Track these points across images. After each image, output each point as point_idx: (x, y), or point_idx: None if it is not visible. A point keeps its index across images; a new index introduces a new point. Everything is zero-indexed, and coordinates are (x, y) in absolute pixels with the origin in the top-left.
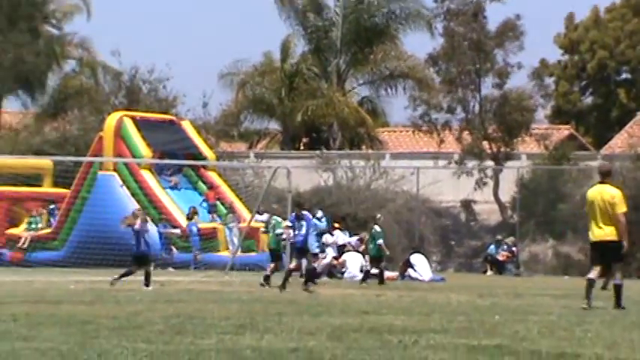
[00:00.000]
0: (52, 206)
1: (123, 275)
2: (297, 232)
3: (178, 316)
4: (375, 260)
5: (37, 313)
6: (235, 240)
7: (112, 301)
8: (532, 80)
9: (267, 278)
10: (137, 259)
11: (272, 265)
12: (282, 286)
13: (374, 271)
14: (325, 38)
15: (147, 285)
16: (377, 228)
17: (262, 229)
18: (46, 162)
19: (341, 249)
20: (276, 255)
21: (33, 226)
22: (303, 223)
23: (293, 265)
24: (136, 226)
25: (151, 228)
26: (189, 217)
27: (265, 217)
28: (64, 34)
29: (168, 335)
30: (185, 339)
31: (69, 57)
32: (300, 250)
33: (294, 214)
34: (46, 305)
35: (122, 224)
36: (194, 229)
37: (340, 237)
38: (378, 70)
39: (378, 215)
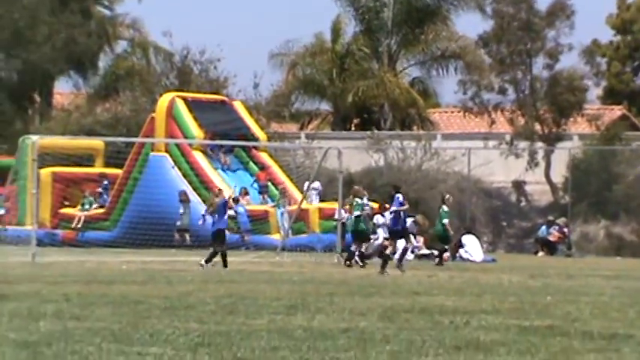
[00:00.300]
0: (105, 182)
1: (209, 258)
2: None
3: (230, 296)
4: (442, 239)
5: (89, 293)
6: (286, 223)
7: (163, 281)
8: (583, 60)
9: (362, 256)
10: (216, 236)
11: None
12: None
13: (424, 251)
14: (376, 19)
15: (208, 262)
16: (445, 208)
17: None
18: (97, 143)
19: None
20: (360, 234)
21: (86, 206)
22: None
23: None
24: (218, 200)
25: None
26: (236, 200)
27: (316, 184)
28: (116, 15)
29: (220, 315)
30: (237, 319)
31: (120, 38)
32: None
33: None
34: (98, 285)
35: (209, 210)
36: (241, 209)
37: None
38: (430, 51)
39: (447, 195)
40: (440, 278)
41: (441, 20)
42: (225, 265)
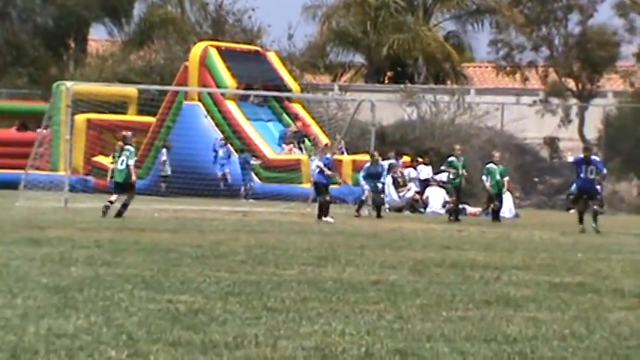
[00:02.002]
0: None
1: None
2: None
3: (261, 246)
4: (496, 195)
5: (120, 240)
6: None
7: (195, 229)
8: (616, 15)
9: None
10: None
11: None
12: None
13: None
14: None
15: (321, 216)
16: (492, 166)
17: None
18: (131, 90)
19: (424, 183)
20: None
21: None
22: None
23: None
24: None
25: (234, 157)
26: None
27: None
28: None
29: (250, 265)
30: (267, 269)
31: None
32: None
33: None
34: (129, 232)
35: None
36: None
37: (424, 171)
38: (465, 5)
39: (497, 154)
40: (471, 233)
41: None
42: (319, 216)
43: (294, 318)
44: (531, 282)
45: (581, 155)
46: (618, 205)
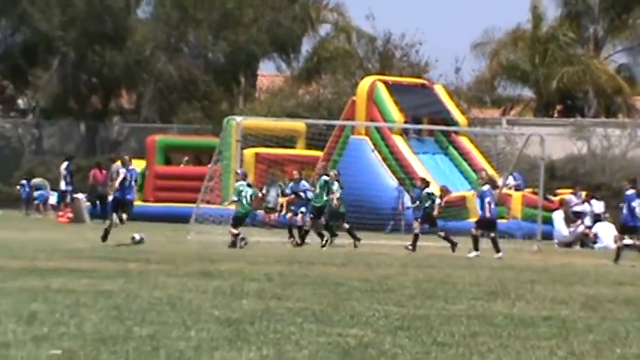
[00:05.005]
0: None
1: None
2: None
3: (429, 280)
4: None
5: (290, 273)
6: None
7: (362, 263)
8: None
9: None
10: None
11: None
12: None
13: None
14: (582, 3)
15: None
16: None
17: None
18: (299, 125)
19: (596, 218)
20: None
21: (286, 190)
22: None
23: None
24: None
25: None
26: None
27: (511, 179)
28: None
29: (419, 299)
30: (436, 304)
31: (324, 21)
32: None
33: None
34: (298, 266)
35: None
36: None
37: (596, 206)
38: (637, 36)
39: None
40: None
41: None
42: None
43: (464, 353)
44: None
45: None
46: None
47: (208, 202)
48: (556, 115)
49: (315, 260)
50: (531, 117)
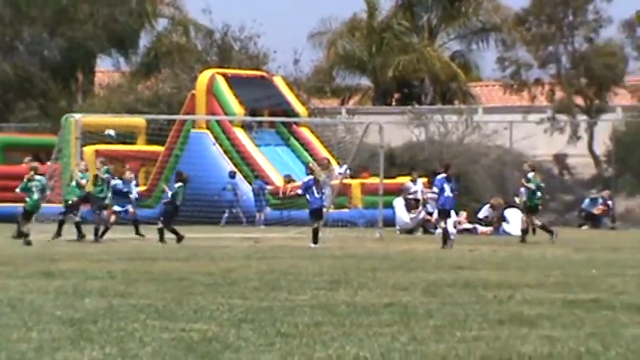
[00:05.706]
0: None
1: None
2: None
3: (272, 272)
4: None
5: (133, 270)
6: (327, 199)
7: (206, 257)
8: (623, 32)
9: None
10: (314, 213)
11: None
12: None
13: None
14: None
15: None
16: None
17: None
18: (139, 120)
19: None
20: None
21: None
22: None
23: None
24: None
25: (245, 186)
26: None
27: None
28: None
29: (263, 291)
30: (280, 295)
31: (160, 16)
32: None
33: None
34: (141, 262)
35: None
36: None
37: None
38: (470, 24)
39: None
40: (483, 252)
41: None
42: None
43: (308, 343)
44: (545, 300)
45: None
46: (630, 220)
47: (49, 202)
48: (394, 103)
49: (159, 256)
50: (370, 106)
